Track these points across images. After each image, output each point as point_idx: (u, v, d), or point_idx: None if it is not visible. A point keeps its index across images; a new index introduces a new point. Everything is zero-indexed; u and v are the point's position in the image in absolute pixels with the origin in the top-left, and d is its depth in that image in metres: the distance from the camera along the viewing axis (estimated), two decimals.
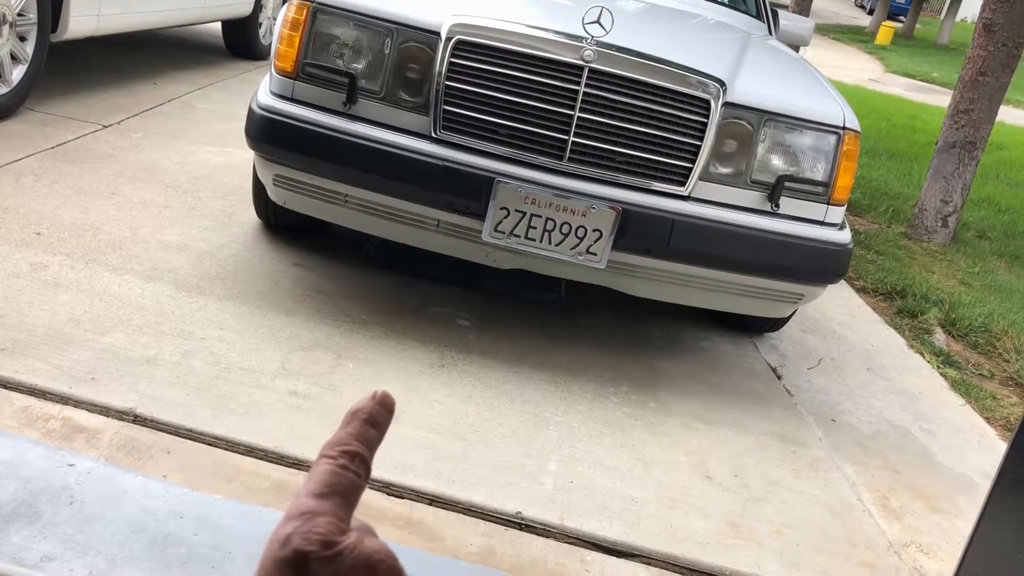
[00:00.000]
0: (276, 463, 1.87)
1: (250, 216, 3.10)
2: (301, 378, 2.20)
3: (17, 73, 3.52)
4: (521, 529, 1.86)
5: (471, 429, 2.16)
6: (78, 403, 1.89)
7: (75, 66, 4.55)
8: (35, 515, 1.66)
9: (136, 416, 1.89)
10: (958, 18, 25.13)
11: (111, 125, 3.78)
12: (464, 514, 1.86)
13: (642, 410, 2.46)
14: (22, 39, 3.52)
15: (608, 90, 2.35)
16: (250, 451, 1.88)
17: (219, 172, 3.52)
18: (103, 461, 1.73)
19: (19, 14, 3.44)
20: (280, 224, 3.02)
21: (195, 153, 3.68)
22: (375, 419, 0.38)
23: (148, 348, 2.17)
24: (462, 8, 2.43)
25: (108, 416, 1.88)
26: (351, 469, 0.36)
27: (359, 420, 0.38)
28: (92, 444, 1.78)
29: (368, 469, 0.37)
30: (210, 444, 1.88)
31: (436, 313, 2.75)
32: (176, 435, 1.88)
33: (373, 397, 0.39)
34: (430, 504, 1.86)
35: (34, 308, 2.23)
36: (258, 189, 2.89)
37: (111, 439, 1.81)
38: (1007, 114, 10.34)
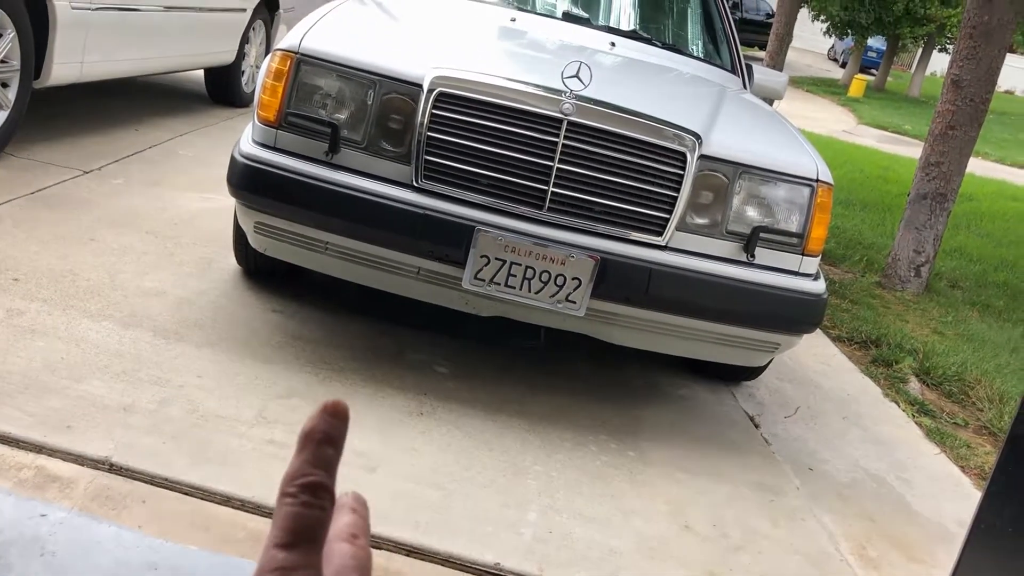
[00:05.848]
0: (253, 513, 1.85)
1: (230, 262, 3.10)
2: (279, 426, 2.19)
3: None
4: None
5: (450, 478, 2.16)
6: (52, 452, 1.87)
7: (57, 112, 4.57)
8: (6, 567, 1.64)
9: (111, 465, 1.88)
10: (928, 72, 25.71)
11: (92, 171, 3.78)
12: (442, 565, 1.85)
13: (621, 459, 2.46)
14: (4, 85, 3.54)
15: (587, 142, 2.40)
16: (226, 500, 1.86)
17: (199, 218, 3.52)
18: (76, 511, 1.71)
19: (2, 60, 3.45)
20: (260, 271, 3.02)
21: (176, 199, 3.69)
22: (330, 436, 0.36)
23: (125, 396, 2.15)
24: (444, 61, 2.47)
25: (83, 465, 1.86)
26: (315, 504, 0.35)
27: (313, 443, 0.36)
28: (66, 494, 1.76)
29: (332, 494, 0.36)
30: (186, 493, 1.86)
31: (415, 360, 2.75)
32: (152, 484, 1.86)
33: (323, 410, 0.37)
34: (408, 555, 1.85)
35: (9, 355, 2.21)
36: (238, 235, 2.90)
37: (85, 488, 1.79)
38: (976, 166, 10.56)
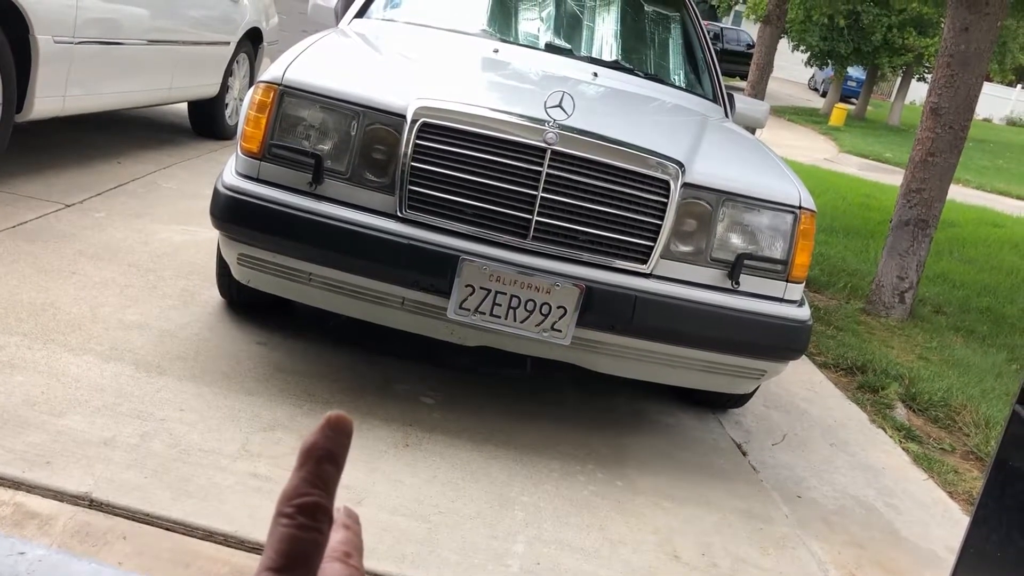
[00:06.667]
0: (236, 548, 1.82)
1: (213, 295, 3.08)
2: (262, 459, 2.17)
3: None
4: None
5: (436, 510, 2.13)
6: (31, 488, 1.84)
7: (38, 145, 4.55)
8: None
9: (92, 500, 1.84)
10: (907, 100, 26.06)
11: (73, 204, 3.76)
12: None
13: (609, 488, 2.45)
14: None
15: (570, 171, 2.40)
16: (209, 535, 1.83)
17: (182, 251, 3.50)
18: (55, 548, 1.68)
19: None
20: (243, 303, 3.00)
21: (158, 232, 3.67)
22: (331, 453, 0.35)
23: (106, 430, 2.12)
24: (427, 91, 2.48)
25: (62, 501, 1.83)
26: (312, 527, 0.34)
27: (313, 460, 0.35)
28: (45, 531, 1.73)
29: (330, 516, 0.35)
30: (168, 529, 1.83)
31: (400, 391, 2.74)
32: (133, 519, 1.83)
33: (326, 424, 0.36)
34: None
35: None
36: (221, 267, 2.88)
37: (64, 525, 1.76)
38: (957, 192, 10.68)
